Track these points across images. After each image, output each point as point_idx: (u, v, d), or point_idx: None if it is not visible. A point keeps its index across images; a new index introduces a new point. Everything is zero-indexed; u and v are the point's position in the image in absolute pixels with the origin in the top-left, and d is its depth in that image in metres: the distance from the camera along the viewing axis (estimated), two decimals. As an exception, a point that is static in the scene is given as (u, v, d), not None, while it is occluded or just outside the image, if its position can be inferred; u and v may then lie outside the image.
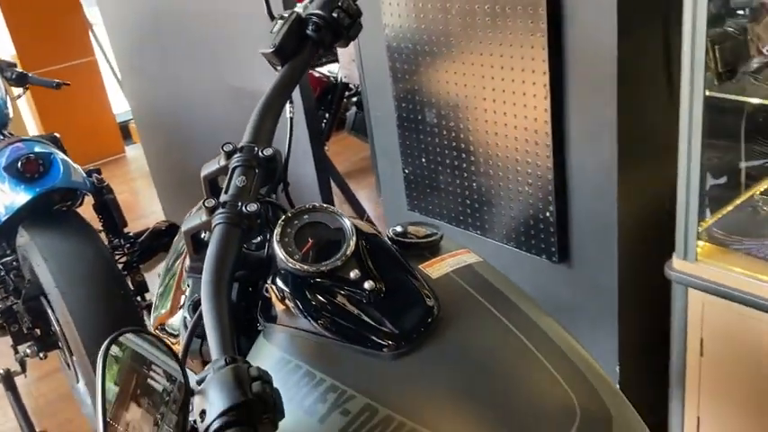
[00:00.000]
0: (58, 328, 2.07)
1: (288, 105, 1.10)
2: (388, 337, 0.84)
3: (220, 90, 2.39)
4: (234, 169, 0.92)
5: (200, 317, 0.83)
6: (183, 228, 0.95)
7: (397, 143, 1.83)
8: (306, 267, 0.87)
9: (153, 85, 2.92)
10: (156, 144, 3.20)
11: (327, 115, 3.69)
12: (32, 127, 4.50)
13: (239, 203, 0.87)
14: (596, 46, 1.34)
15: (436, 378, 0.82)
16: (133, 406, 0.73)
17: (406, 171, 1.85)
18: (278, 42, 1.04)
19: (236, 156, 0.93)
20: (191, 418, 0.76)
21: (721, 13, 1.32)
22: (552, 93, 1.43)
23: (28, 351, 2.24)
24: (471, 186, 1.69)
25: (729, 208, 1.45)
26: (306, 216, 0.91)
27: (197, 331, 0.93)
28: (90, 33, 4.58)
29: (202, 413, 0.66)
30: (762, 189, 1.51)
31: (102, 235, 2.28)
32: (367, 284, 0.86)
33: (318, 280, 0.87)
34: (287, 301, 0.89)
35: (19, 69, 2.52)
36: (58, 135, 2.37)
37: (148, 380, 0.74)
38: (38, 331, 2.24)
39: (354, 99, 3.73)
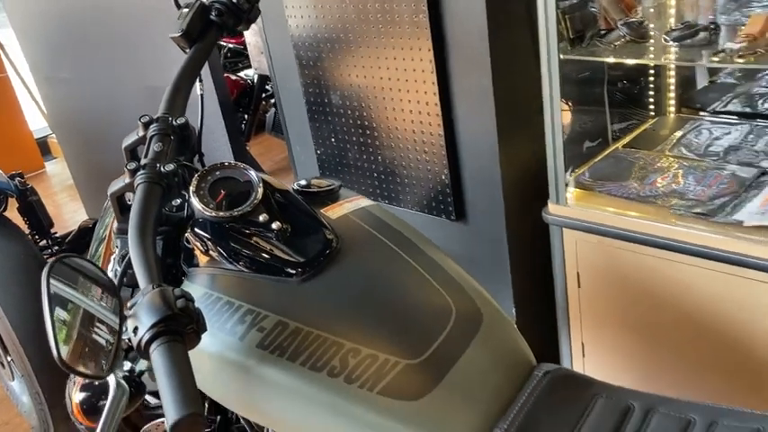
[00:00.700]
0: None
1: (198, 84, 1.24)
2: (294, 266, 1.00)
3: (137, 90, 2.48)
4: (152, 137, 1.05)
5: (130, 264, 0.96)
6: (109, 191, 1.07)
7: (308, 127, 1.98)
8: (220, 214, 1.01)
9: (70, 92, 2.97)
10: (78, 150, 3.24)
11: (246, 116, 3.81)
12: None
13: (158, 165, 1.00)
14: (470, 26, 1.53)
15: (335, 295, 0.98)
16: (77, 327, 0.85)
17: (318, 152, 2.01)
18: (185, 27, 1.18)
19: (152, 126, 1.06)
20: (125, 337, 0.89)
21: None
22: (437, 70, 1.62)
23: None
24: (377, 160, 1.86)
25: (596, 159, 1.67)
26: (218, 172, 1.06)
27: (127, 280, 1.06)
28: (0, 52, 4.55)
29: (135, 329, 0.79)
30: (623, 143, 1.74)
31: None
32: (274, 225, 1.01)
33: (232, 224, 1.02)
34: (205, 246, 1.04)
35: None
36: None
37: (87, 303, 0.87)
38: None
39: (273, 100, 3.86)
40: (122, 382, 0.93)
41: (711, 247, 1.32)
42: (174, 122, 1.06)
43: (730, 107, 1.82)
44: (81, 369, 0.84)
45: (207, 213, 1.01)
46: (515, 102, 1.61)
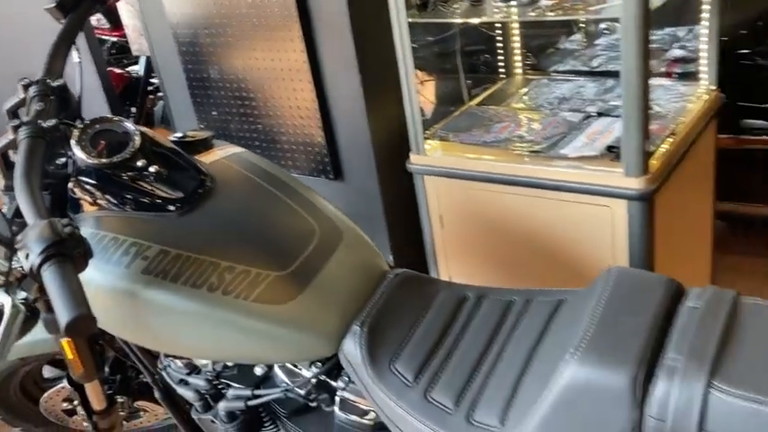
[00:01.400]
0: None
1: (74, 52, 1.33)
2: (172, 202, 1.12)
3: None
4: (32, 98, 1.14)
5: (20, 213, 1.05)
6: (-7, 150, 1.16)
7: (190, 102, 2.09)
8: (102, 160, 1.12)
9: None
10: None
11: (134, 110, 3.82)
12: None
13: (39, 121, 1.10)
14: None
15: (210, 224, 1.12)
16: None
17: (202, 127, 2.12)
18: None
19: (32, 87, 1.15)
20: (16, 265, 0.99)
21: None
22: (307, 43, 1.77)
23: None
24: (258, 129, 1.99)
25: (453, 116, 1.87)
26: (97, 125, 1.16)
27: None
28: None
29: (27, 256, 0.89)
30: (477, 102, 1.96)
31: None
32: (152, 168, 1.13)
33: (113, 170, 1.13)
34: (90, 193, 1.14)
35: None
36: None
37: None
38: None
39: (160, 93, 3.89)
40: (18, 303, 1.02)
41: (546, 178, 1.54)
42: (52, 84, 1.16)
43: (568, 67, 2.08)
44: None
45: (89, 161, 1.12)
46: (379, 67, 1.78)
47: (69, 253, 0.92)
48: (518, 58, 2.08)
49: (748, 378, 0.73)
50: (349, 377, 1.16)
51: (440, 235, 1.78)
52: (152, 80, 3.76)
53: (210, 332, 1.07)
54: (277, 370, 1.21)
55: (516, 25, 1.98)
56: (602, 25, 2.18)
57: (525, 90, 1.98)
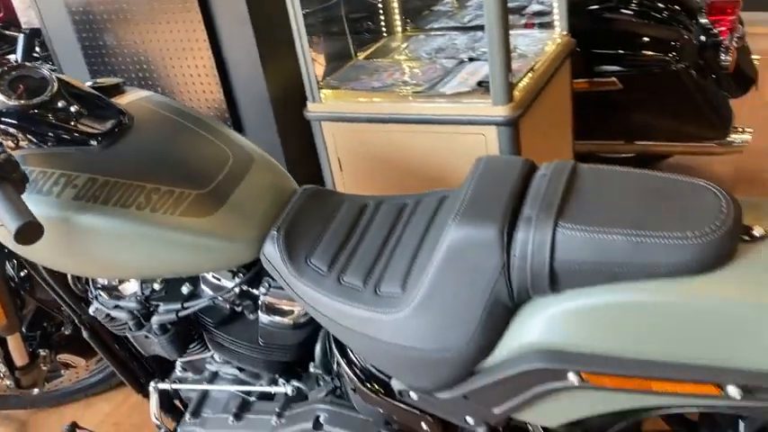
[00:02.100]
0: None
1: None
2: (94, 137, 1.23)
3: None
4: None
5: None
6: None
7: (87, 71, 2.14)
8: (22, 102, 1.21)
9: None
10: None
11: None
12: None
13: None
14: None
15: (133, 153, 1.24)
16: None
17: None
18: None
19: None
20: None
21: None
22: (201, 4, 1.89)
23: None
24: (157, 92, 2.08)
25: (343, 68, 2.05)
26: (14, 72, 1.25)
27: None
28: None
29: None
30: (364, 56, 2.14)
31: None
32: (72, 108, 1.24)
33: (35, 111, 1.22)
34: (11, 134, 1.23)
35: None
36: None
37: None
38: None
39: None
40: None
41: (429, 114, 1.75)
42: None
43: (443, 24, 2.31)
44: None
45: (11, 103, 1.20)
46: (273, 27, 1.92)
47: (8, 176, 1.03)
48: (398, 18, 2.28)
49: (584, 217, 0.95)
50: (269, 284, 1.32)
51: (339, 177, 1.96)
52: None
53: (143, 249, 1.19)
54: (203, 286, 1.35)
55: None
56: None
57: (406, 44, 2.19)
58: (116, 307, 1.37)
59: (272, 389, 1.43)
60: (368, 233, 1.23)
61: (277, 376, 1.44)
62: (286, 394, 1.42)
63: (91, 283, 1.42)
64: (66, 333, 1.88)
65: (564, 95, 2.06)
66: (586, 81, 2.43)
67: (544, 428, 1.20)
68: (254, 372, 1.47)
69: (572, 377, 0.98)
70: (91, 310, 1.47)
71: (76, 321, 1.54)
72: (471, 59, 1.94)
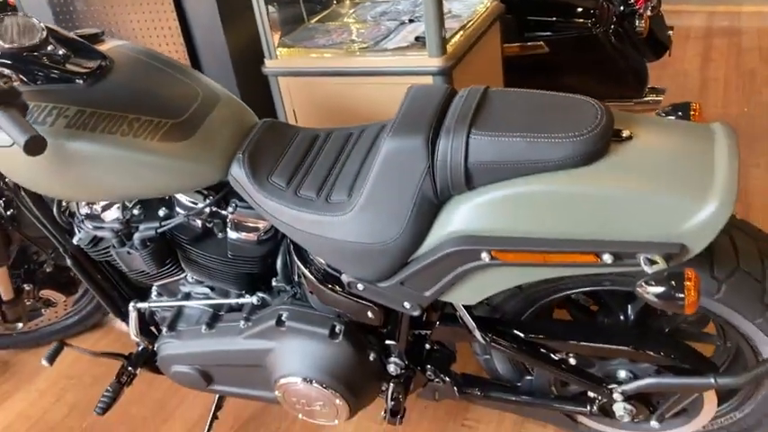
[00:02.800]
0: None
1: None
2: (81, 75, 1.42)
3: None
4: None
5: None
6: None
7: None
8: (16, 46, 1.39)
9: None
10: None
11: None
12: None
13: None
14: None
15: (116, 88, 1.43)
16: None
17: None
18: None
19: None
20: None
21: None
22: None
23: None
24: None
25: (297, 30, 2.26)
26: (6, 20, 1.43)
27: None
28: None
29: None
30: (315, 20, 2.36)
31: None
32: (60, 51, 1.42)
33: (26, 54, 1.40)
34: (4, 75, 1.40)
35: None
36: None
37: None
38: None
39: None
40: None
41: (373, 67, 1.98)
42: None
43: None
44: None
45: (6, 46, 1.38)
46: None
47: (13, 101, 1.22)
48: (346, -14, 2.50)
49: (491, 126, 1.19)
50: (236, 204, 1.53)
51: (294, 127, 2.17)
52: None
53: (126, 171, 1.39)
54: (177, 209, 1.56)
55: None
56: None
57: (353, 10, 2.41)
58: (100, 229, 1.57)
59: (240, 300, 1.65)
60: (320, 156, 1.46)
61: (244, 292, 1.66)
62: (252, 304, 1.64)
63: (77, 210, 1.61)
64: (48, 270, 2.06)
65: (494, 53, 2.31)
66: (518, 45, 2.68)
67: (470, 315, 1.45)
68: (223, 289, 1.68)
69: (484, 256, 1.22)
70: (75, 240, 1.66)
71: (61, 251, 1.72)
72: (411, 21, 2.18)
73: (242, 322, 1.61)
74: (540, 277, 1.27)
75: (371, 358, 1.55)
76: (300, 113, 2.14)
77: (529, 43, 2.68)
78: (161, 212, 1.56)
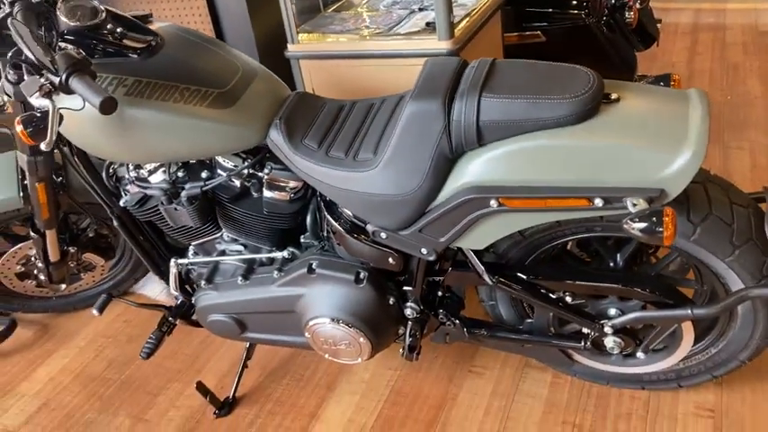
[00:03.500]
0: None
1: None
2: (136, 50, 1.61)
3: None
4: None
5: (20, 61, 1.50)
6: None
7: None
8: (80, 24, 1.58)
9: None
10: None
11: None
12: None
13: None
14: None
15: (167, 63, 1.62)
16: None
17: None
18: None
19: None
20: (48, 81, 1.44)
21: None
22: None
23: None
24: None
25: (315, 18, 2.46)
26: (72, 1, 1.62)
27: None
28: None
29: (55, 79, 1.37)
30: (331, 10, 2.56)
31: None
32: (118, 29, 1.62)
33: (89, 31, 1.59)
34: (75, 48, 1.60)
35: None
36: None
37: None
38: None
39: None
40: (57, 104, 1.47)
41: (386, 50, 2.17)
42: None
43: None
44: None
45: (73, 24, 1.58)
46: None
47: (86, 68, 1.41)
48: (358, -22, 2.70)
49: (499, 90, 1.39)
50: (271, 167, 1.73)
51: (313, 106, 2.36)
52: None
53: (178, 134, 1.58)
54: (218, 170, 1.75)
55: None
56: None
57: (365, 0, 2.61)
58: (149, 188, 1.76)
59: (272, 255, 1.84)
60: (347, 121, 1.65)
61: (275, 248, 1.85)
62: (283, 257, 1.83)
63: (126, 174, 1.80)
64: (90, 235, 2.25)
65: (496, 40, 2.52)
66: (517, 35, 2.89)
67: (479, 260, 1.65)
68: (255, 246, 1.88)
69: (493, 203, 1.43)
70: (121, 202, 1.85)
71: (108, 213, 1.91)
72: (421, 9, 2.38)
73: (275, 272, 1.80)
74: (540, 221, 1.48)
75: (391, 302, 1.74)
76: (319, 93, 2.33)
77: (527, 33, 2.88)
78: (203, 174, 1.75)
